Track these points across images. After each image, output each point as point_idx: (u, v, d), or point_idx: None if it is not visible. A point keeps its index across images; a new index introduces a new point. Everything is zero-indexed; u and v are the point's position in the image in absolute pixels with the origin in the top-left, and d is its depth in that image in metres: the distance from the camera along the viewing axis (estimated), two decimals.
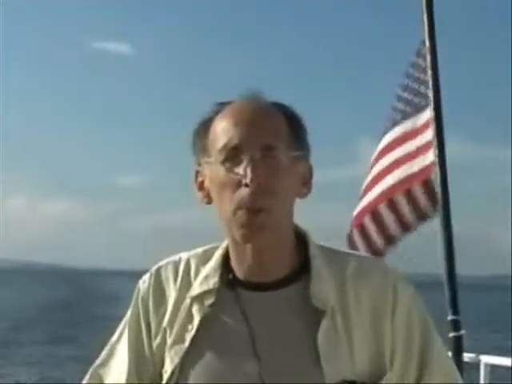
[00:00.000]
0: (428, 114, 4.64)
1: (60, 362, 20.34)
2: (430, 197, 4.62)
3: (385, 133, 4.96)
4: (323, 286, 1.53)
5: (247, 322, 1.52)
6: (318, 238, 1.63)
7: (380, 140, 4.99)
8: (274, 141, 1.51)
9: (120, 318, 1.67)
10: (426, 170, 4.65)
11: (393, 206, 4.78)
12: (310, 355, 1.49)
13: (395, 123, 4.88)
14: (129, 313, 1.65)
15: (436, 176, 4.57)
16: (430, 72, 4.64)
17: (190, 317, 1.56)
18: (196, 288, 1.58)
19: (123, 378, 1.61)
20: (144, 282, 1.65)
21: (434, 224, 4.61)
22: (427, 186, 4.64)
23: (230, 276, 1.57)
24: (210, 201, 1.56)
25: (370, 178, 4.93)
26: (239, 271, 1.57)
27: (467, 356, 5.01)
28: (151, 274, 1.65)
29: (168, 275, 1.63)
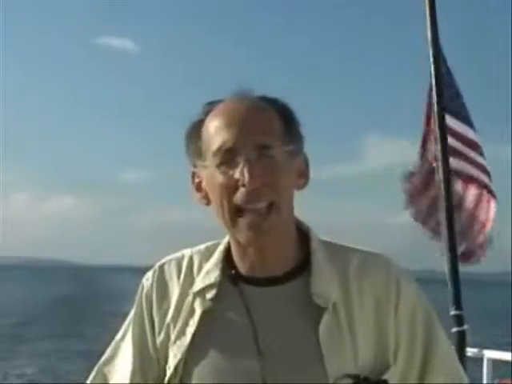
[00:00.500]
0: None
1: (66, 356, 20.54)
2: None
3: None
4: (325, 281, 1.53)
5: (249, 317, 1.52)
6: (322, 232, 1.63)
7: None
8: (268, 139, 1.50)
9: (125, 314, 1.68)
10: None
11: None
12: (312, 350, 1.48)
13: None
14: (133, 310, 1.66)
15: (439, 176, 4.58)
16: (433, 71, 4.64)
17: (192, 312, 1.57)
18: (198, 283, 1.58)
19: (128, 376, 1.61)
20: (147, 279, 1.65)
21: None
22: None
23: (233, 271, 1.57)
24: (208, 202, 1.56)
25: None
26: (241, 266, 1.57)
27: (470, 351, 5.02)
28: (154, 271, 1.65)
29: (171, 272, 1.64)
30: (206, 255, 1.63)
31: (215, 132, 1.51)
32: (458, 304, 4.35)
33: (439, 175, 4.59)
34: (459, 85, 4.78)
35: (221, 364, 1.51)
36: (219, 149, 1.49)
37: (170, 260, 1.66)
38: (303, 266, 1.56)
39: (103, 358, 1.68)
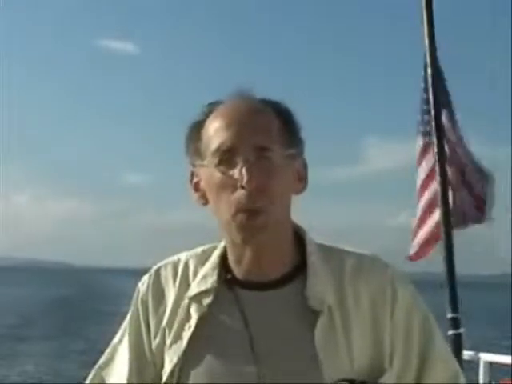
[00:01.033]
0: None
1: (65, 355, 20.96)
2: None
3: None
4: (320, 285, 1.53)
5: (245, 322, 1.52)
6: (321, 236, 1.63)
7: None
8: (267, 141, 1.50)
9: (124, 315, 1.68)
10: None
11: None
12: (308, 354, 1.48)
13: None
14: (129, 314, 1.66)
15: (436, 177, 4.59)
16: (429, 72, 4.65)
17: (188, 316, 1.56)
18: (194, 288, 1.58)
19: (124, 380, 1.61)
20: (143, 283, 1.65)
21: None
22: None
23: (229, 276, 1.57)
24: (206, 202, 1.56)
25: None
26: (237, 271, 1.57)
27: (467, 354, 5.02)
28: (150, 275, 1.65)
29: (167, 276, 1.64)
30: (202, 259, 1.63)
31: (215, 132, 1.51)
32: (454, 307, 4.36)
33: (436, 177, 4.60)
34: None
35: (216, 369, 1.51)
36: (218, 148, 1.50)
37: (166, 264, 1.66)
38: (299, 270, 1.56)
39: (100, 361, 1.68)
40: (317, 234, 1.64)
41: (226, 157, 1.49)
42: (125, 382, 1.61)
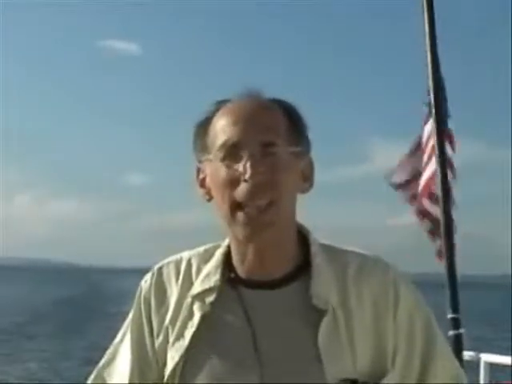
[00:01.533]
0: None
1: (67, 353, 21.48)
2: None
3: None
4: (324, 284, 1.53)
5: (248, 321, 1.52)
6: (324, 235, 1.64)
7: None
8: (273, 137, 1.50)
9: (127, 314, 1.67)
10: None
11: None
12: (311, 354, 1.48)
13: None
14: (131, 313, 1.65)
15: (437, 178, 4.60)
16: (430, 72, 4.65)
17: (190, 315, 1.56)
18: (197, 286, 1.58)
19: (126, 379, 1.61)
20: (145, 282, 1.65)
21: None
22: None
23: (232, 275, 1.57)
24: (211, 198, 1.56)
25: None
26: (240, 269, 1.56)
27: (467, 354, 5.02)
28: (153, 274, 1.65)
29: (169, 274, 1.63)
30: (205, 258, 1.63)
31: (222, 128, 1.52)
32: (455, 307, 4.36)
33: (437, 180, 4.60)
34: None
35: (219, 367, 1.51)
36: (224, 143, 1.50)
37: (169, 262, 1.66)
38: (303, 270, 1.56)
39: (102, 360, 1.68)
40: (321, 233, 1.64)
41: (232, 151, 1.50)
42: (127, 381, 1.61)
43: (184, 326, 1.56)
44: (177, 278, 1.62)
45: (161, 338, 1.59)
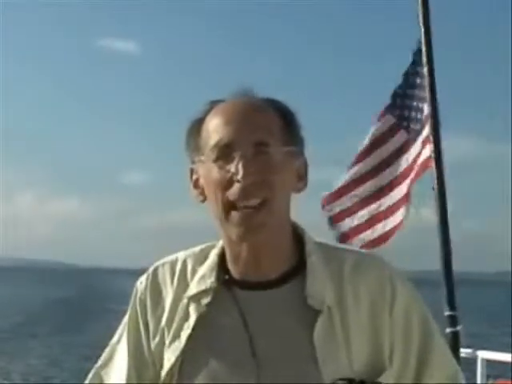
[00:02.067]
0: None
1: (68, 350, 22.22)
2: None
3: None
4: (319, 284, 1.52)
5: (244, 322, 1.51)
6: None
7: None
8: (266, 137, 1.50)
9: (124, 313, 1.67)
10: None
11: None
12: (307, 354, 1.48)
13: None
14: (127, 314, 1.65)
15: (432, 173, 4.59)
16: (425, 68, 4.64)
17: (186, 316, 1.56)
18: (193, 288, 1.58)
19: (123, 379, 1.61)
20: (141, 283, 1.65)
21: (432, 221, 4.63)
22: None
23: (226, 276, 1.57)
24: (205, 198, 1.56)
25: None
26: (235, 270, 1.56)
27: (464, 351, 5.03)
28: (148, 275, 1.65)
29: (165, 275, 1.63)
30: (200, 258, 1.63)
31: (214, 128, 1.52)
32: (451, 304, 4.36)
33: (433, 177, 4.59)
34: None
35: (215, 369, 1.51)
36: (217, 144, 1.50)
37: (164, 263, 1.65)
38: (298, 269, 1.55)
39: (100, 361, 1.68)
40: (318, 232, 1.64)
41: (224, 152, 1.49)
42: (124, 380, 1.61)
43: (180, 328, 1.56)
44: (172, 279, 1.62)
45: (157, 339, 1.59)
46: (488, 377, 5.48)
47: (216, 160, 1.50)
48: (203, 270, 1.59)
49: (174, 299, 1.59)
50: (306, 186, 1.58)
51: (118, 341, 1.66)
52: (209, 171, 1.51)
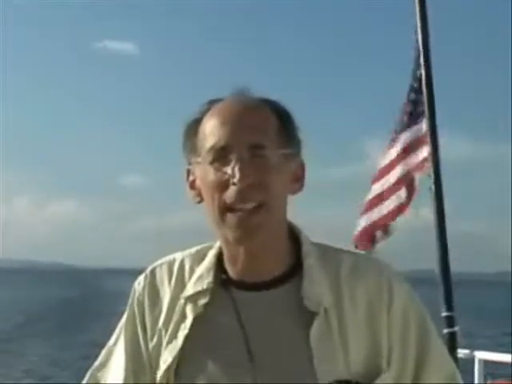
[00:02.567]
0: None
1: (68, 349, 22.61)
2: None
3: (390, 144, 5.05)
4: (316, 285, 1.52)
5: (241, 322, 1.52)
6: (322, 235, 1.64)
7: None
8: (262, 139, 1.49)
9: (122, 313, 1.67)
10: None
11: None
12: (303, 355, 1.48)
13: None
14: (125, 315, 1.65)
15: (430, 174, 4.59)
16: (423, 69, 4.65)
17: (183, 316, 1.56)
18: (190, 288, 1.58)
19: (120, 380, 1.61)
20: (139, 284, 1.65)
21: (429, 221, 4.64)
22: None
23: (224, 276, 1.57)
24: (201, 200, 1.56)
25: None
26: (232, 271, 1.56)
27: (462, 352, 5.02)
28: (146, 276, 1.65)
29: (162, 276, 1.63)
30: (198, 259, 1.63)
31: (211, 130, 1.51)
32: (449, 305, 4.35)
33: (430, 178, 4.60)
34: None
35: (212, 369, 1.51)
36: (213, 146, 1.50)
37: (161, 264, 1.66)
38: (295, 270, 1.55)
39: (96, 362, 1.68)
40: (316, 232, 1.63)
41: (221, 154, 1.49)
42: (121, 381, 1.61)
43: (177, 328, 1.56)
44: (169, 280, 1.62)
45: (155, 339, 1.59)
46: (486, 377, 5.48)
47: (212, 162, 1.50)
48: (201, 270, 1.60)
49: (172, 299, 1.59)
50: (303, 188, 1.58)
51: (115, 342, 1.66)
52: (205, 173, 1.51)
